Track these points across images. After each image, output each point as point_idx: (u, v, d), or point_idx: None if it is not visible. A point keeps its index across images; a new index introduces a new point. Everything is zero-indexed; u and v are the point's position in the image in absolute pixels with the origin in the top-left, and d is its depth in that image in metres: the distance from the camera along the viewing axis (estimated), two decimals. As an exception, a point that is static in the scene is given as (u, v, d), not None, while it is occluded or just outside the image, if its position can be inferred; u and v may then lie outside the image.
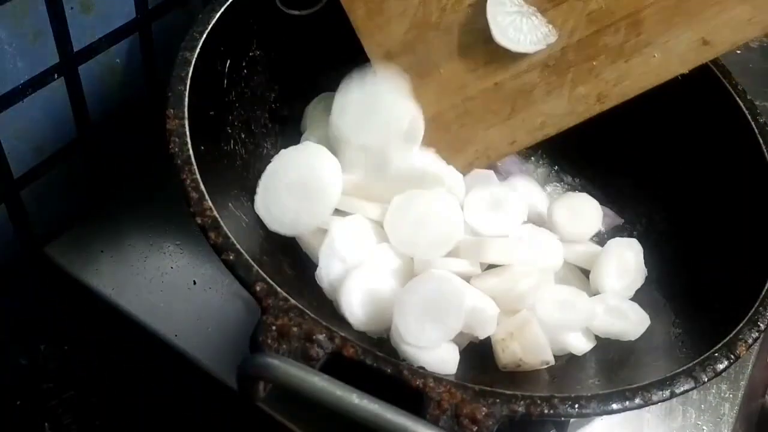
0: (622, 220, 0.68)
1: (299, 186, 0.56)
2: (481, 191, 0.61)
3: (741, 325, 0.48)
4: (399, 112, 0.59)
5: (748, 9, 0.56)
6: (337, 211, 0.58)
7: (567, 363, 0.56)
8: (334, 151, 0.59)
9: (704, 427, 0.61)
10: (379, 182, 0.59)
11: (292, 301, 0.42)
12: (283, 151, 0.59)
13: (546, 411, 0.41)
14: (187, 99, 0.49)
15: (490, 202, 0.61)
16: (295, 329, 0.41)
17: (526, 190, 0.68)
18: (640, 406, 0.43)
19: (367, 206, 0.58)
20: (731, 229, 0.58)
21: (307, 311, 0.42)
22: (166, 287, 0.65)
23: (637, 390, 0.43)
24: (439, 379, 0.41)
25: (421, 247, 0.56)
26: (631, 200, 0.68)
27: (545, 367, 0.55)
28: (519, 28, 0.56)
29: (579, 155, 0.71)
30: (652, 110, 0.67)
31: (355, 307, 0.52)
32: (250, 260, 0.44)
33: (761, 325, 0.48)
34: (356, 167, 0.59)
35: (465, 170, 0.63)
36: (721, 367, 0.46)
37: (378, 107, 0.58)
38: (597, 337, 0.57)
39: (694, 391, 0.58)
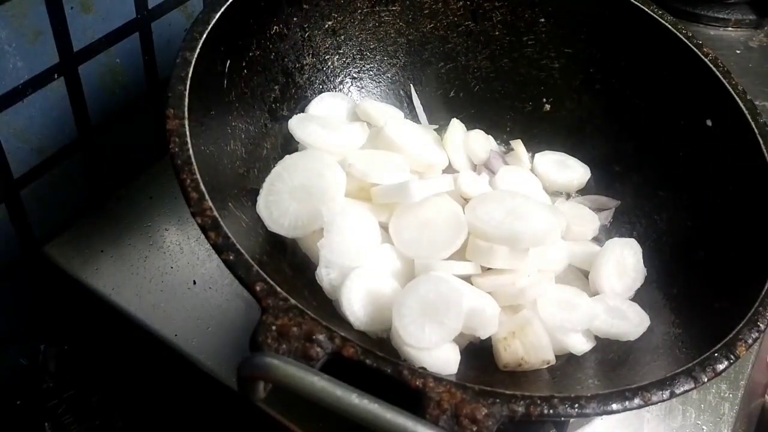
0: (618, 202, 0.68)
1: (303, 191, 0.56)
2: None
3: (741, 325, 0.48)
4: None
5: None
6: (338, 211, 0.58)
7: (567, 363, 0.56)
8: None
9: (704, 427, 0.61)
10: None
11: (292, 301, 0.42)
12: (288, 156, 0.59)
13: (546, 411, 0.41)
14: (187, 99, 0.49)
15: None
16: (295, 329, 0.41)
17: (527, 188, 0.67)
18: (640, 406, 0.43)
19: (368, 207, 0.58)
20: (731, 229, 0.58)
21: (307, 311, 0.42)
22: (166, 287, 0.65)
23: (637, 390, 0.43)
24: (439, 379, 0.40)
25: (424, 250, 0.56)
26: (631, 200, 0.68)
27: (546, 366, 0.55)
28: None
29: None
30: (651, 110, 0.67)
31: (355, 306, 0.52)
32: (250, 260, 0.44)
33: (761, 325, 0.48)
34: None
35: None
36: (721, 367, 0.46)
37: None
38: (597, 337, 0.57)
39: (694, 391, 0.58)
